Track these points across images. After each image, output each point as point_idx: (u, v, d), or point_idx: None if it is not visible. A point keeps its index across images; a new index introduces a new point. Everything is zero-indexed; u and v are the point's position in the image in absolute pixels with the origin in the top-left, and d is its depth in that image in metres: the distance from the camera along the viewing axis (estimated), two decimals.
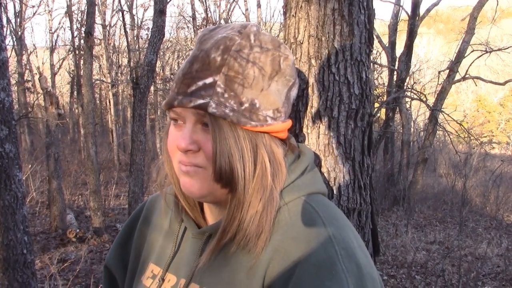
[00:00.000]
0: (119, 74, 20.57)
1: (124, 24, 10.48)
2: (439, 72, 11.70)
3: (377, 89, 12.44)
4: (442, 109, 10.68)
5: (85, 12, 9.47)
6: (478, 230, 9.02)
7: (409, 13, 11.03)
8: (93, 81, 10.47)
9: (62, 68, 21.90)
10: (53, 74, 19.70)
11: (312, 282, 0.72)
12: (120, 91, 22.61)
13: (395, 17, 12.26)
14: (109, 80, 18.47)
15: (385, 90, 12.14)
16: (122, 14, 12.23)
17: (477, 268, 6.23)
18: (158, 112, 21.14)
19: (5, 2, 15.37)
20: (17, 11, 18.26)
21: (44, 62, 21.91)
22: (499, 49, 12.33)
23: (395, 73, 11.75)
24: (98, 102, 23.51)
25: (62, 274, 5.71)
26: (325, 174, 1.25)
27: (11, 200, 3.19)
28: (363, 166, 1.30)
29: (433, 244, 7.86)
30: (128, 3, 17.37)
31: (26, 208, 3.39)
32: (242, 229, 0.81)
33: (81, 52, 13.66)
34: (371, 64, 1.37)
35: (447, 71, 10.97)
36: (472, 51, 11.48)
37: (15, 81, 18.14)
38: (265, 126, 0.82)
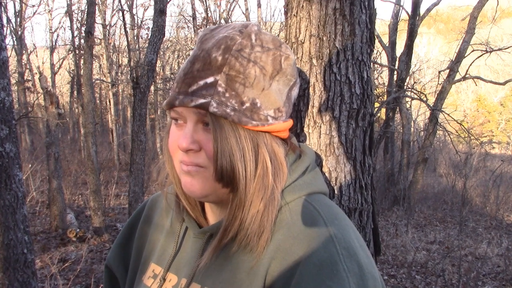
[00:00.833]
0: (119, 74, 20.57)
1: (124, 24, 10.48)
2: (439, 72, 11.69)
3: (377, 89, 12.44)
4: (442, 109, 10.67)
5: (85, 12, 9.47)
6: (478, 230, 9.03)
7: (409, 13, 11.03)
8: (93, 80, 10.47)
9: (62, 68, 21.88)
10: (53, 74, 19.68)
11: (313, 282, 0.72)
12: (120, 90, 22.62)
13: (395, 16, 12.25)
14: (109, 80, 18.46)
15: (385, 90, 12.14)
16: (123, 13, 12.22)
17: (477, 268, 6.24)
18: (158, 112, 21.14)
19: (5, 1, 15.38)
20: (17, 11, 18.25)
21: (44, 61, 21.90)
22: (499, 49, 12.31)
23: (395, 72, 11.74)
24: (98, 101, 23.52)
25: (63, 273, 5.71)
26: (327, 174, 1.25)
27: (12, 199, 3.19)
28: (364, 166, 1.30)
29: (433, 244, 7.86)
30: (128, 3, 17.36)
31: (26, 207, 3.39)
32: (244, 229, 0.80)
33: (81, 51, 13.65)
34: (371, 63, 1.37)
35: (447, 71, 10.96)
36: (472, 51, 11.47)
37: (15, 81, 18.13)
38: (266, 125, 0.82)
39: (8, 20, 16.80)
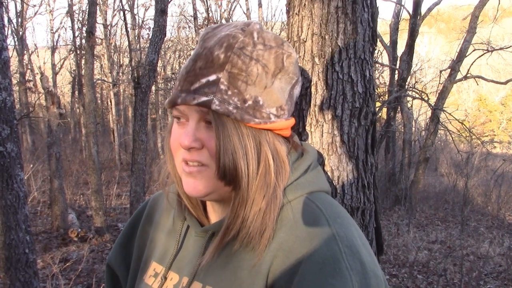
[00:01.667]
0: (120, 74, 20.57)
1: (126, 24, 10.46)
2: (440, 71, 11.68)
3: (378, 88, 12.44)
4: (443, 108, 10.66)
5: (87, 12, 9.47)
6: (480, 230, 9.02)
7: (411, 12, 11.01)
8: (95, 80, 10.47)
9: (63, 68, 21.88)
10: (55, 74, 19.69)
11: (316, 280, 0.72)
12: (121, 90, 22.62)
13: (397, 16, 12.24)
14: (110, 80, 18.47)
15: (387, 90, 12.13)
16: (124, 13, 12.22)
17: (479, 268, 6.23)
18: (160, 112, 21.17)
19: (6, 1, 15.38)
20: (18, 11, 18.25)
21: (46, 62, 21.89)
22: (500, 48, 12.31)
23: (396, 72, 11.73)
24: (99, 101, 23.54)
25: (64, 273, 5.71)
26: (329, 173, 1.25)
27: (13, 199, 3.19)
28: (366, 165, 1.29)
29: (435, 243, 7.86)
30: (129, 3, 17.36)
31: (27, 207, 3.39)
32: (246, 227, 0.80)
33: (83, 51, 13.66)
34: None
35: (449, 70, 10.95)
36: (473, 50, 11.46)
37: (16, 81, 18.15)
38: (268, 123, 0.82)
39: (10, 21, 16.83)
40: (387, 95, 12.29)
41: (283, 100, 0.85)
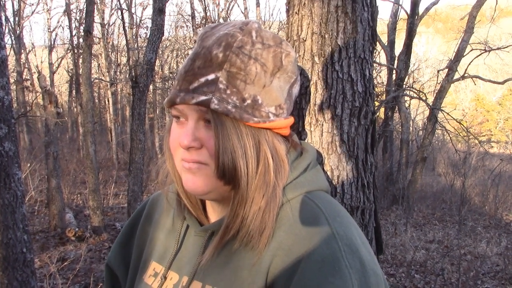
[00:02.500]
0: (118, 73, 20.56)
1: (123, 23, 10.45)
2: (438, 71, 11.70)
3: (376, 88, 12.44)
4: (441, 108, 10.68)
5: (84, 11, 9.46)
6: (477, 229, 9.03)
7: (408, 12, 11.02)
8: (92, 79, 10.44)
9: (61, 67, 21.88)
10: (52, 73, 19.68)
11: (315, 278, 0.72)
12: (119, 90, 22.63)
13: (394, 16, 12.26)
14: (108, 79, 18.45)
15: (384, 89, 12.15)
16: (121, 12, 12.20)
17: (477, 267, 6.24)
18: (157, 111, 21.16)
19: (3, 0, 15.34)
20: (15, 10, 18.24)
21: (43, 61, 21.87)
22: (498, 48, 12.35)
23: (394, 72, 11.75)
24: (97, 101, 23.52)
25: (62, 273, 5.70)
26: (328, 172, 1.24)
27: (11, 198, 3.18)
28: (366, 164, 1.29)
29: (432, 243, 7.87)
30: (127, 2, 17.34)
31: (25, 206, 3.38)
32: (245, 226, 0.80)
33: (80, 50, 13.64)
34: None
35: (446, 70, 10.97)
36: (471, 50, 11.49)
37: (13, 80, 18.12)
38: (267, 122, 0.81)
39: (7, 19, 16.79)
40: (385, 95, 12.31)
41: (282, 99, 0.85)
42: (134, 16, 18.27)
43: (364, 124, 1.27)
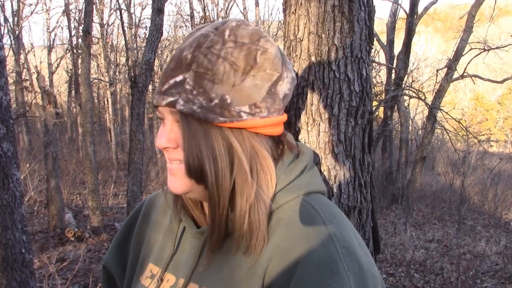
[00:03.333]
0: (117, 73, 20.55)
1: (122, 23, 10.43)
2: (437, 71, 11.70)
3: (375, 87, 12.45)
4: (440, 107, 10.68)
5: (83, 11, 9.45)
6: (476, 228, 9.04)
7: (407, 12, 11.02)
8: (91, 80, 10.44)
9: (60, 67, 21.87)
10: (51, 73, 19.67)
11: (313, 281, 0.72)
12: (118, 90, 22.62)
13: (393, 15, 12.26)
14: (107, 79, 18.44)
15: (383, 89, 12.15)
16: (120, 12, 12.19)
17: (476, 266, 6.24)
18: (156, 111, 21.10)
19: (2, 1, 15.35)
20: (14, 10, 18.21)
21: (42, 61, 21.87)
22: (497, 47, 12.34)
23: (393, 71, 11.75)
24: (96, 101, 23.51)
25: (61, 273, 5.70)
26: (325, 172, 1.24)
27: (9, 199, 3.18)
28: (363, 164, 1.29)
29: (432, 242, 7.87)
30: (126, 2, 17.33)
31: (24, 207, 3.38)
32: (236, 229, 0.80)
33: (79, 51, 13.62)
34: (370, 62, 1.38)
35: (445, 69, 10.96)
36: (470, 49, 11.48)
37: (13, 80, 18.10)
38: (236, 121, 0.80)
39: (6, 20, 16.79)
40: (384, 94, 12.31)
41: (258, 98, 0.82)
42: (133, 16, 18.26)
43: (361, 124, 1.27)
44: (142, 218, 1.08)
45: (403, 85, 11.16)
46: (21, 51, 18.88)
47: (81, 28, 11.86)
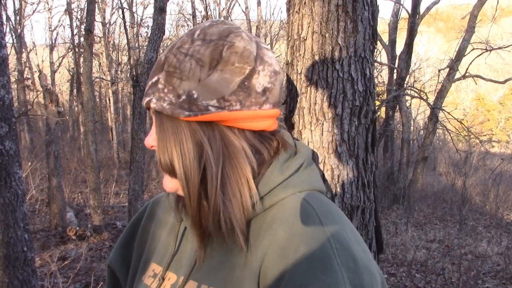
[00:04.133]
0: (119, 72, 20.56)
1: (124, 22, 10.47)
2: (439, 71, 11.69)
3: (377, 87, 12.44)
4: (442, 107, 10.68)
5: (85, 10, 9.46)
6: (478, 229, 9.03)
7: (409, 12, 11.03)
8: (93, 78, 10.45)
9: (62, 66, 21.86)
10: (53, 72, 19.67)
11: (306, 276, 0.72)
12: (120, 89, 22.63)
13: (395, 15, 12.26)
14: (108, 78, 18.46)
15: (385, 89, 12.15)
16: (122, 11, 12.22)
17: (477, 267, 6.24)
18: None
19: None
20: (16, 9, 18.23)
21: (44, 60, 21.86)
22: (499, 48, 12.32)
23: (395, 71, 11.75)
24: (97, 100, 23.52)
25: (62, 271, 5.71)
26: (329, 172, 1.24)
27: (11, 197, 3.19)
28: (366, 164, 1.29)
29: (433, 242, 7.87)
30: (128, 1, 17.33)
31: (26, 205, 3.38)
32: (220, 226, 0.81)
33: (81, 49, 13.65)
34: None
35: (447, 69, 10.96)
36: (472, 50, 11.46)
37: (14, 79, 18.12)
38: (201, 115, 0.81)
39: (8, 18, 16.79)
40: (385, 94, 12.31)
41: (227, 91, 0.82)
42: (135, 15, 18.27)
43: (364, 123, 1.27)
44: (147, 217, 1.09)
45: (405, 85, 11.16)
46: (23, 49, 18.89)
47: (83, 27, 11.88)
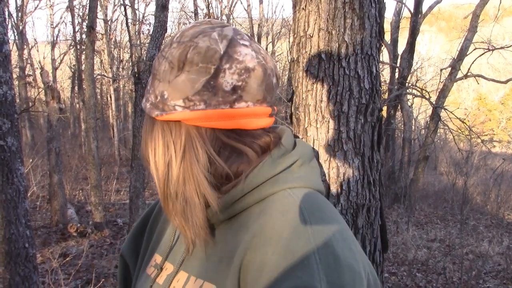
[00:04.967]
0: (120, 69, 20.56)
1: (126, 19, 10.44)
2: (441, 70, 11.68)
3: None
4: (444, 107, 10.66)
5: (87, 7, 9.45)
6: (479, 228, 9.03)
7: (412, 11, 11.01)
8: (95, 76, 10.45)
9: (63, 63, 21.83)
10: (54, 69, 19.65)
11: (283, 272, 0.71)
12: (121, 86, 22.60)
13: (398, 14, 12.24)
14: (110, 75, 18.45)
15: (387, 88, 12.13)
16: (125, 8, 12.19)
17: (478, 266, 6.23)
18: None
19: None
20: (18, 5, 18.21)
21: (45, 56, 21.87)
22: (501, 47, 12.31)
23: (396, 70, 11.73)
24: (99, 97, 23.51)
25: (63, 268, 5.71)
26: (334, 170, 1.24)
27: (13, 193, 3.18)
28: (372, 162, 1.28)
29: (434, 242, 7.86)
30: None
31: (27, 202, 3.38)
32: (188, 222, 0.85)
33: (83, 46, 13.64)
34: None
35: (449, 69, 10.94)
36: (474, 49, 11.44)
37: (16, 76, 18.10)
38: (165, 114, 0.84)
39: (10, 15, 16.77)
40: (387, 93, 12.29)
41: (191, 91, 0.83)
42: (137, 12, 18.23)
43: (370, 122, 1.26)
44: (158, 210, 1.12)
45: (407, 84, 11.14)
46: (25, 46, 18.88)
47: (84, 24, 11.86)
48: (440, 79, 11.47)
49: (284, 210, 0.79)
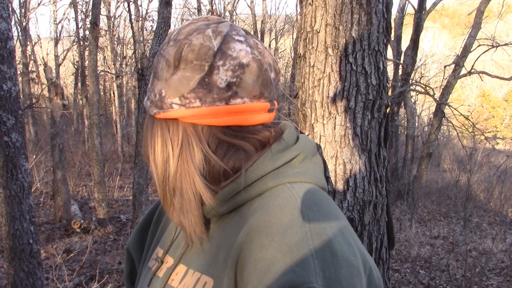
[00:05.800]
0: (124, 66, 20.57)
1: (130, 15, 10.44)
2: (444, 67, 11.64)
3: None
4: (448, 103, 10.64)
5: (90, 3, 9.44)
6: (482, 226, 9.01)
7: (416, 7, 10.97)
8: (98, 72, 10.45)
9: (67, 59, 21.86)
10: (58, 65, 19.67)
11: (279, 266, 0.71)
12: (125, 82, 22.62)
13: (401, 10, 12.21)
14: (113, 72, 18.47)
15: (390, 84, 12.11)
16: (128, 5, 12.19)
17: (482, 264, 6.23)
18: None
19: None
20: (21, 2, 18.21)
21: (49, 53, 21.90)
22: (505, 44, 12.25)
23: (400, 67, 11.70)
24: (102, 93, 23.53)
25: (67, 264, 5.73)
26: (341, 166, 1.23)
27: (18, 190, 3.19)
28: (379, 158, 1.28)
29: (437, 239, 7.86)
30: None
31: (32, 198, 3.39)
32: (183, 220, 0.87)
33: (86, 43, 13.65)
34: None
35: (453, 65, 10.91)
36: (478, 46, 11.40)
37: (19, 72, 18.11)
38: (163, 112, 0.85)
39: (13, 11, 16.78)
40: (391, 90, 12.27)
41: (186, 89, 0.84)
42: (140, 8, 18.24)
43: (377, 118, 1.26)
44: None
45: (411, 81, 11.12)
46: (28, 42, 18.89)
47: (88, 20, 11.86)
48: (443, 75, 11.43)
49: (282, 204, 0.78)
